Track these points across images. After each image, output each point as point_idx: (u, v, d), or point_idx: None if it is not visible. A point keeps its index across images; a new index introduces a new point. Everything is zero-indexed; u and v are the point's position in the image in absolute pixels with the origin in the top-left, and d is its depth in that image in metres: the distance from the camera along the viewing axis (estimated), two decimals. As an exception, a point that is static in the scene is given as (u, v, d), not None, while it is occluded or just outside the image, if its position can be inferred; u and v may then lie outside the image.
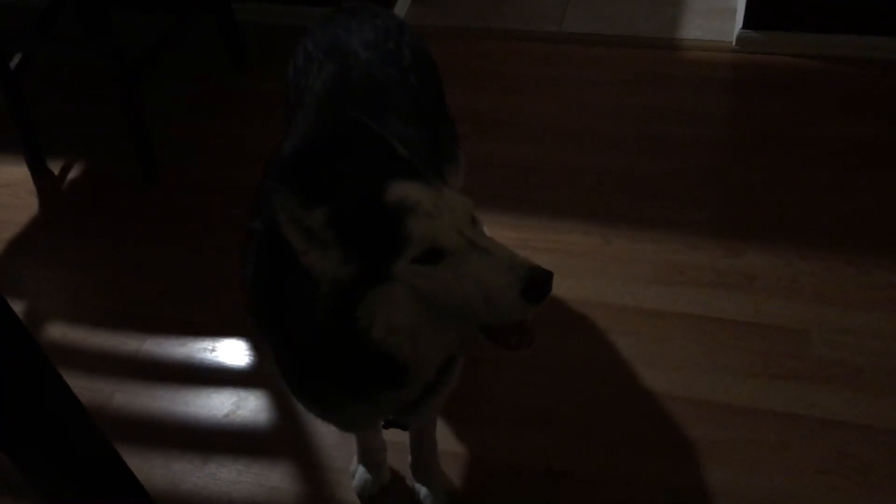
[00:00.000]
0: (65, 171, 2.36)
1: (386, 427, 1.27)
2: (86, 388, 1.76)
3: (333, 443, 1.66)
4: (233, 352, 1.85)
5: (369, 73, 1.38)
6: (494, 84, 2.41)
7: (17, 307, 1.76)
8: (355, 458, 1.58)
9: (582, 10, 2.60)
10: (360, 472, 1.57)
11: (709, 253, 1.90)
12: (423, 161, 1.35)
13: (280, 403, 1.74)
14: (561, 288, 1.88)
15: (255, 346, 1.85)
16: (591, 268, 1.91)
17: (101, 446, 1.33)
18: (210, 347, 1.86)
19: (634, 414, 1.65)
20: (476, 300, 0.95)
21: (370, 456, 1.55)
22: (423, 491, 1.55)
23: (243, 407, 1.75)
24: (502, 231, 2.00)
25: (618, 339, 1.78)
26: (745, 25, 2.37)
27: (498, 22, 2.61)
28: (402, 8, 2.69)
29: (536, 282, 0.95)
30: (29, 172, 2.34)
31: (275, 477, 1.62)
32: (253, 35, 2.63)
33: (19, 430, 1.19)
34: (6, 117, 2.25)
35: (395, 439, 1.52)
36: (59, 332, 1.93)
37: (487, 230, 1.97)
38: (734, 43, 2.41)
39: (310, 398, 1.21)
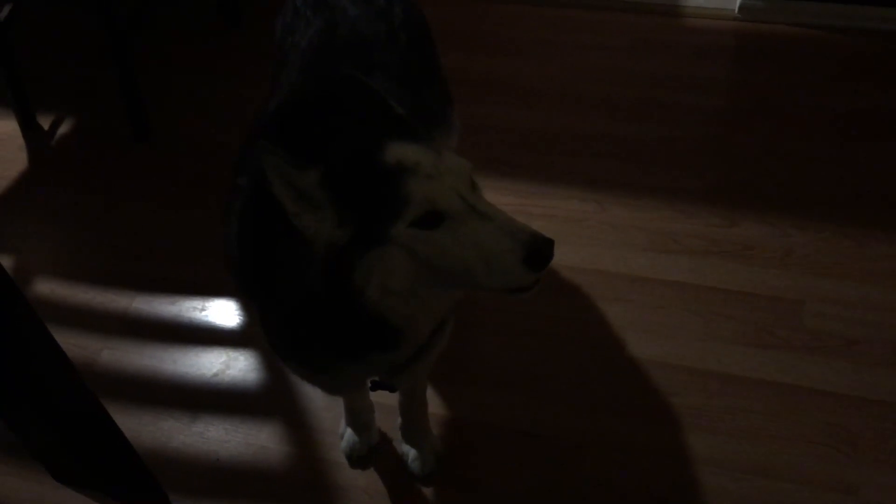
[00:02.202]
0: (55, 126, 2.32)
1: (373, 389, 1.26)
2: (74, 344, 1.75)
3: (322, 404, 1.65)
4: (223, 311, 1.84)
5: (357, 29, 1.35)
6: (492, 47, 2.38)
7: (5, 262, 1.73)
8: (343, 420, 1.58)
9: (582, -27, 2.56)
10: (349, 434, 1.57)
11: (704, 221, 1.89)
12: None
13: (270, 364, 1.73)
14: (556, 254, 1.86)
15: (245, 307, 1.84)
16: (587, 234, 1.90)
17: (88, 403, 1.32)
18: (200, 307, 1.85)
19: (625, 380, 1.65)
20: (476, 265, 0.94)
21: (357, 418, 1.55)
22: (412, 453, 1.55)
23: (233, 367, 1.74)
24: (498, 196, 1.98)
25: (611, 305, 1.77)
26: (748, -7, 2.34)
27: (497, -16, 2.57)
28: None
29: (538, 248, 0.93)
30: (18, 127, 2.30)
31: (263, 437, 1.62)
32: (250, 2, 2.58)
33: (7, 386, 1.18)
34: (-5, 70, 2.21)
35: (384, 401, 1.51)
36: (47, 287, 1.91)
37: (487, 194, 1.95)
38: (736, 11, 2.38)
39: (298, 361, 1.19)
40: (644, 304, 1.76)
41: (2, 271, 1.12)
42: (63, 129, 2.31)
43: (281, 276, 1.05)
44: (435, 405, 1.62)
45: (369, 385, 1.25)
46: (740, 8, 2.36)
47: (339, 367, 1.13)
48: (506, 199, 1.98)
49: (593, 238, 1.90)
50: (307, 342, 1.10)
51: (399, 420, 1.55)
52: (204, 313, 1.84)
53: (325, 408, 1.64)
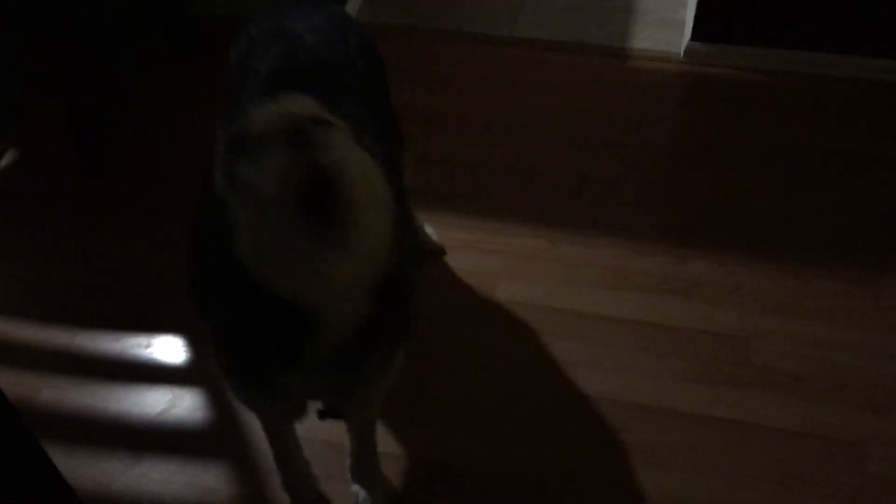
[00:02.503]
0: (-2, 157, 2.27)
1: (321, 417, 1.23)
2: (12, 382, 1.68)
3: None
4: (169, 348, 1.80)
5: (317, 55, 1.35)
6: (445, 84, 2.40)
7: (-59, 297, 1.68)
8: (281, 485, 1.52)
9: (535, 15, 2.61)
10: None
11: (654, 259, 1.91)
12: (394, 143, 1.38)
13: (217, 402, 1.69)
14: (507, 291, 1.87)
15: (192, 343, 1.80)
16: (538, 270, 1.91)
17: (26, 442, 1.27)
18: (145, 343, 1.80)
19: (575, 416, 1.65)
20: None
21: (290, 467, 1.50)
22: (362, 494, 1.52)
23: (178, 405, 1.69)
24: (449, 231, 1.98)
25: (561, 342, 1.77)
26: (693, 37, 2.40)
27: (450, 23, 2.60)
28: (353, 5, 2.66)
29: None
30: (-39, 158, 2.25)
31: (209, 478, 1.57)
32: (203, 26, 2.56)
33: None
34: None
35: (336, 441, 1.49)
36: (-16, 324, 1.85)
37: (434, 230, 1.95)
38: (682, 54, 2.44)
39: (240, 375, 1.16)
40: (595, 340, 1.77)
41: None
42: (7, 159, 2.26)
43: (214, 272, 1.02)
44: (388, 444, 1.59)
45: (317, 415, 1.23)
46: (685, 51, 2.42)
47: (276, 378, 1.10)
48: (456, 234, 1.99)
49: (545, 274, 1.91)
50: (238, 344, 1.07)
51: (349, 460, 1.52)
52: (149, 350, 1.79)
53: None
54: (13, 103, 2.42)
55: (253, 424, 1.62)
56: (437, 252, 1.95)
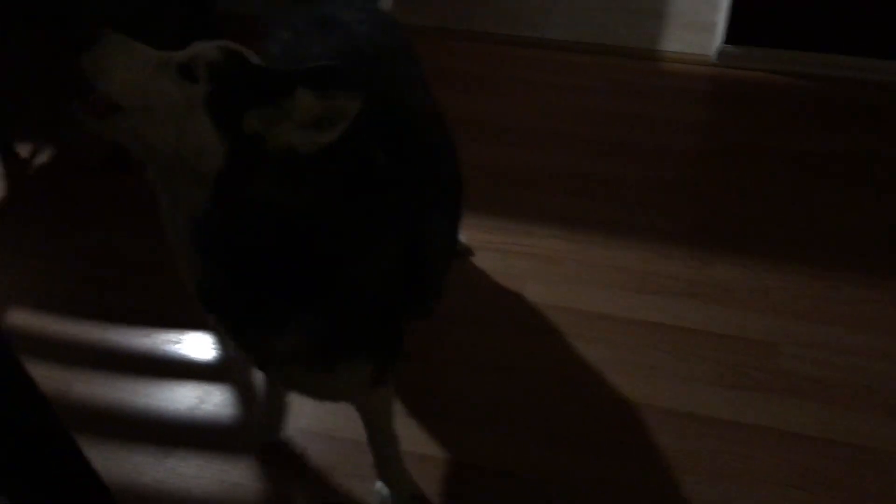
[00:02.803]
0: (34, 155, 2.31)
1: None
2: (46, 376, 1.71)
3: (298, 442, 1.63)
4: (199, 344, 1.82)
5: (376, 42, 1.36)
6: (472, 85, 2.41)
7: (-22, 291, 1.72)
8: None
9: (564, 17, 2.61)
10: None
11: (682, 262, 1.91)
12: (444, 132, 1.43)
13: (245, 399, 1.71)
14: (533, 293, 1.88)
15: (222, 340, 1.82)
16: (565, 273, 1.91)
17: (60, 436, 1.30)
18: (175, 339, 1.83)
19: (601, 420, 1.65)
20: None
21: (267, 397, 1.60)
22: (384, 491, 1.54)
23: (207, 401, 1.72)
24: (477, 234, 1.99)
25: (587, 345, 1.77)
26: (726, 40, 2.39)
27: (479, 24, 2.61)
28: (383, 4, 2.67)
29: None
30: (-4, 156, 2.29)
31: (237, 474, 1.59)
32: (226, 26, 2.59)
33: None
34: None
35: (363, 439, 1.50)
36: (21, 318, 1.88)
37: (463, 232, 1.96)
38: (713, 56, 2.43)
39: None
40: (620, 343, 1.77)
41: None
42: (42, 157, 2.30)
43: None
44: (413, 443, 1.60)
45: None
46: (718, 54, 2.41)
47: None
48: (483, 236, 2.00)
49: (571, 277, 1.91)
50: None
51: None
52: (179, 346, 1.82)
53: (300, 445, 1.63)
54: (48, 103, 2.47)
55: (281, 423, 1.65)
56: (465, 253, 1.96)
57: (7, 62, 2.55)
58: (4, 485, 1.31)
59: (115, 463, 1.61)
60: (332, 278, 1.07)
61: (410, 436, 1.61)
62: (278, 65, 1.38)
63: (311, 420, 1.65)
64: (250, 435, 1.64)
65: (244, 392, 1.72)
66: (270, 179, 0.99)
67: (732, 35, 2.38)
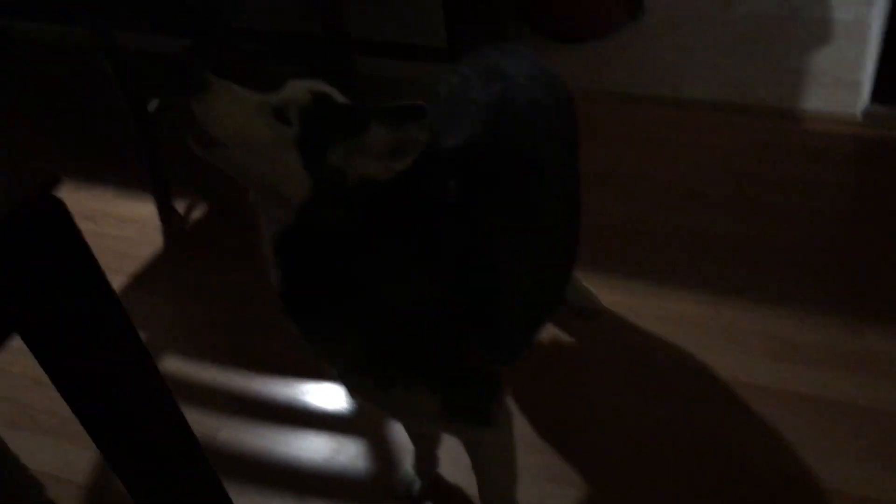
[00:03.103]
0: (190, 209, 2.47)
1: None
2: (195, 420, 1.79)
3: (435, 499, 1.65)
4: (335, 396, 1.88)
5: (533, 97, 1.44)
6: (608, 144, 2.41)
7: (138, 338, 1.84)
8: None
9: (699, 75, 2.59)
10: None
11: (826, 330, 1.83)
12: (567, 194, 1.51)
13: (379, 452, 1.75)
14: (666, 356, 1.84)
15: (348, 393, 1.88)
16: (701, 339, 1.87)
17: (211, 481, 1.37)
18: (314, 390, 1.90)
19: (735, 494, 1.59)
20: None
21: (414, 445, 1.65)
22: None
23: (343, 452, 1.77)
24: (609, 294, 1.98)
25: (723, 413, 1.72)
26: (872, 99, 2.30)
27: (612, 84, 2.62)
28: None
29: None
30: (156, 210, 2.46)
31: (370, 526, 1.63)
32: (369, 88, 2.71)
33: (136, 455, 1.25)
34: (140, 157, 2.39)
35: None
36: (173, 364, 2.00)
37: (593, 292, 1.96)
38: (859, 117, 2.34)
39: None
40: (761, 415, 1.71)
41: (143, 347, 1.20)
42: (197, 212, 2.46)
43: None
44: (527, 497, 1.60)
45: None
46: (863, 113, 2.32)
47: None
48: (616, 297, 1.98)
49: (707, 342, 1.86)
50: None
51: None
52: (317, 396, 1.89)
53: (437, 501, 1.65)
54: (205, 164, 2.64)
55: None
56: (595, 313, 1.95)
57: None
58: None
59: (256, 509, 1.68)
60: (377, 295, 1.17)
61: (524, 492, 1.60)
62: (443, 105, 1.50)
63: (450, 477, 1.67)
64: (394, 489, 1.67)
65: (379, 446, 1.76)
66: (348, 207, 1.11)
67: (879, 94, 2.29)
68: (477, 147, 1.36)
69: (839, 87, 2.45)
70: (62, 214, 0.91)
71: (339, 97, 1.16)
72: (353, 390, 1.35)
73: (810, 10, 2.76)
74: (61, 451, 1.86)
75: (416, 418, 1.46)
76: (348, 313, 1.19)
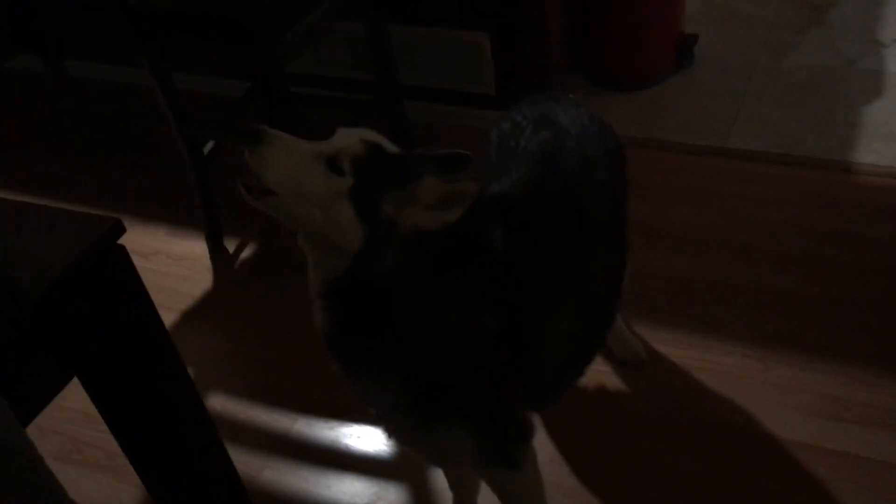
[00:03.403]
0: (240, 249, 2.52)
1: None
2: (239, 460, 1.82)
3: (469, 546, 1.64)
4: (377, 440, 1.89)
5: (581, 145, 1.45)
6: (654, 194, 2.40)
7: (186, 375, 1.87)
8: None
9: (750, 125, 2.57)
10: None
11: (880, 390, 1.78)
12: (610, 244, 1.51)
13: (420, 498, 1.75)
14: (711, 411, 1.82)
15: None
16: (748, 393, 1.84)
17: (252, 523, 1.39)
18: (357, 433, 1.90)
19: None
20: None
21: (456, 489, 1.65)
22: None
23: (383, 498, 1.77)
24: (656, 345, 1.96)
25: (768, 471, 1.68)
26: (927, 152, 2.28)
27: (661, 133, 2.62)
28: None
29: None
30: (207, 249, 2.51)
31: (409, 574, 1.62)
32: (420, 133, 2.75)
33: (182, 493, 1.27)
34: (193, 195, 2.45)
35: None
36: (218, 402, 2.03)
37: (638, 343, 1.94)
38: (914, 169, 2.31)
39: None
40: (809, 474, 1.67)
41: (191, 386, 1.23)
42: (246, 252, 2.51)
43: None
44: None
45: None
46: (918, 167, 2.29)
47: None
48: (662, 348, 1.96)
49: (754, 397, 1.83)
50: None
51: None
52: (360, 440, 1.89)
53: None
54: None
55: (452, 525, 1.66)
56: (640, 363, 1.93)
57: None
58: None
59: (296, 551, 1.68)
60: (422, 340, 1.18)
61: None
62: (493, 151, 1.53)
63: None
64: None
65: (419, 492, 1.76)
66: (399, 256, 1.13)
67: (936, 147, 2.26)
68: (521, 195, 1.38)
69: (892, 139, 2.42)
70: (124, 262, 0.94)
71: (389, 145, 1.18)
72: (391, 433, 1.36)
73: (864, 61, 2.74)
74: (107, 485, 1.89)
75: (451, 462, 1.46)
76: (393, 357, 1.20)
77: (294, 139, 1.14)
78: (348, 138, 1.15)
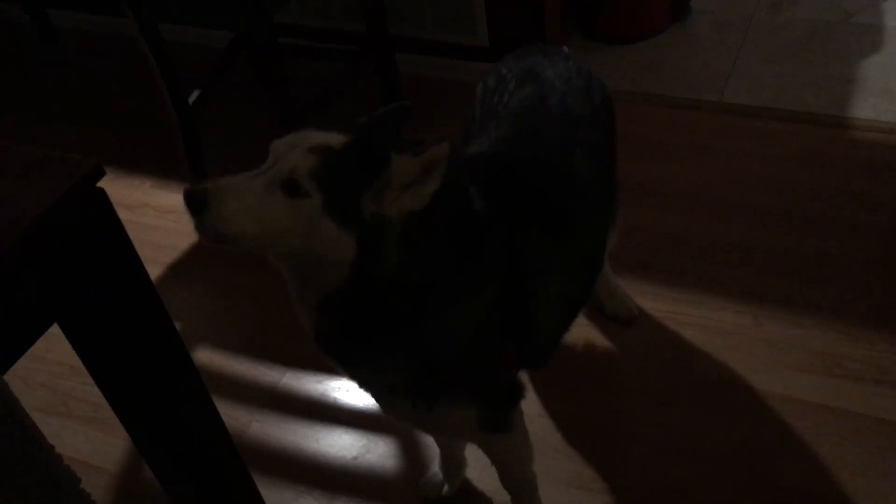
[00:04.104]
0: (226, 202, 2.47)
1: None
2: (226, 414, 1.79)
3: (461, 498, 1.64)
4: (365, 394, 1.87)
5: (565, 102, 1.41)
6: (649, 150, 2.37)
7: (172, 329, 1.84)
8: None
9: (746, 80, 2.54)
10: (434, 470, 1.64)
11: (872, 346, 1.78)
12: (595, 203, 1.44)
13: (408, 452, 1.74)
14: (703, 367, 1.81)
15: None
16: (740, 349, 1.83)
17: (240, 473, 1.37)
18: (345, 387, 1.89)
19: (778, 511, 1.55)
20: None
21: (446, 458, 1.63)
22: None
23: (372, 451, 1.76)
24: (647, 301, 1.95)
25: (760, 427, 1.68)
26: (925, 108, 2.25)
27: (656, 87, 2.58)
28: (559, 68, 2.70)
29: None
30: (193, 201, 2.46)
31: (397, 527, 1.62)
32: (411, 87, 2.70)
33: (169, 445, 1.25)
34: (179, 148, 2.40)
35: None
36: (205, 356, 2.01)
37: (631, 296, 1.93)
38: (910, 126, 2.28)
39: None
40: (801, 429, 1.67)
41: (178, 339, 1.20)
42: (233, 205, 2.47)
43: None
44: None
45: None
46: (915, 123, 2.27)
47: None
48: (654, 304, 1.95)
49: (746, 354, 1.82)
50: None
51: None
52: (348, 394, 1.88)
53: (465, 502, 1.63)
54: (243, 155, 2.64)
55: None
56: (631, 318, 1.92)
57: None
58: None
59: (284, 504, 1.68)
60: (422, 323, 1.13)
61: (553, 498, 1.58)
62: (477, 107, 1.48)
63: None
64: (422, 490, 1.66)
65: (408, 445, 1.75)
66: (398, 247, 1.05)
67: (933, 104, 2.23)
68: (500, 156, 1.34)
69: (889, 95, 2.39)
70: (105, 205, 0.91)
71: (334, 138, 1.06)
72: (389, 410, 1.33)
73: (863, 15, 2.70)
74: (93, 438, 1.87)
75: (448, 432, 1.45)
76: (397, 345, 1.16)
77: (240, 179, 1.02)
78: (293, 154, 1.03)
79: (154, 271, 2.25)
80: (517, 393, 1.35)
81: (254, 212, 1.00)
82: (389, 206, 1.03)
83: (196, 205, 1.00)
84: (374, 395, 1.32)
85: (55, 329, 1.01)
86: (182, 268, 2.29)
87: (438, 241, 1.11)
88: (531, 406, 1.75)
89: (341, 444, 1.78)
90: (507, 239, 1.21)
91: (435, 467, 1.66)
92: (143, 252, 1.07)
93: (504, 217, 1.21)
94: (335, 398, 1.88)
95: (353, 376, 1.26)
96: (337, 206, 1.01)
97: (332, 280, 1.06)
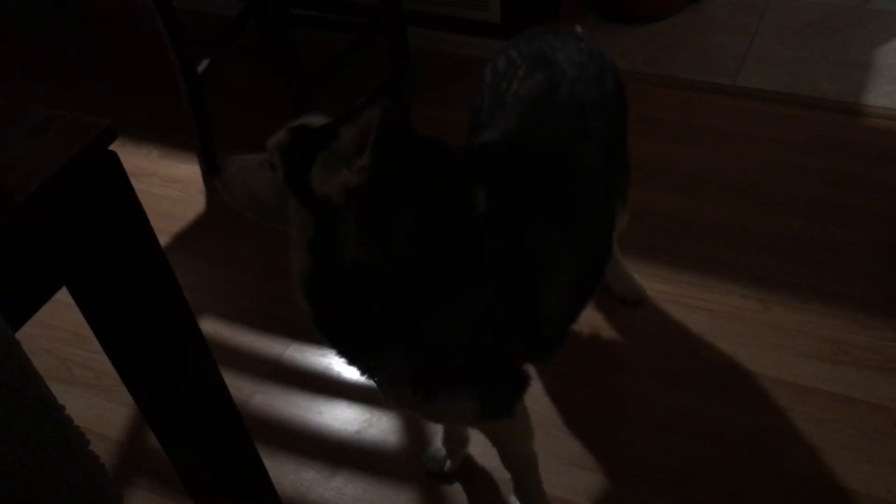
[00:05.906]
0: (233, 173, 2.46)
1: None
2: (230, 384, 1.79)
3: (462, 474, 1.64)
4: (370, 369, 1.87)
5: (576, 91, 1.38)
6: (660, 132, 2.35)
7: (178, 298, 1.84)
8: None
9: (760, 64, 2.51)
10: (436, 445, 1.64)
11: (879, 334, 1.77)
12: (605, 194, 1.40)
13: (410, 426, 1.74)
14: (709, 351, 1.80)
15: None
16: (746, 334, 1.82)
17: (244, 442, 1.37)
18: (349, 361, 1.88)
19: (776, 496, 1.55)
20: None
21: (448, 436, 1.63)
22: None
23: (375, 425, 1.76)
24: (654, 283, 1.94)
25: (765, 412, 1.68)
26: (940, 97, 2.23)
27: (670, 69, 2.56)
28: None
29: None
30: (200, 171, 2.46)
31: (400, 500, 1.62)
32: (422, 63, 2.68)
33: (174, 415, 1.25)
34: (187, 117, 2.38)
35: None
36: (210, 326, 2.01)
37: (639, 279, 1.92)
38: (925, 114, 2.26)
39: None
40: (805, 415, 1.66)
41: (186, 307, 1.19)
42: (240, 176, 2.45)
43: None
44: (561, 489, 1.58)
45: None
46: (930, 112, 2.25)
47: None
48: (661, 286, 1.94)
49: (753, 338, 1.82)
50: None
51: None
52: (352, 368, 1.87)
53: (464, 479, 1.63)
54: (254, 126, 2.63)
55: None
56: (638, 300, 1.91)
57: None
58: (193, 487, 1.40)
59: (286, 476, 1.68)
60: (421, 315, 1.12)
61: (560, 482, 1.58)
62: (486, 93, 1.45)
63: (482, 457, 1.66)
64: (425, 464, 1.66)
65: (411, 420, 1.75)
66: (350, 229, 1.04)
67: (949, 92, 2.21)
68: (509, 147, 1.31)
69: (905, 83, 2.37)
70: (116, 169, 0.90)
71: (320, 120, 1.09)
72: (391, 400, 1.32)
73: (880, 1, 2.67)
74: (95, 405, 1.87)
75: (451, 420, 1.45)
76: (394, 337, 1.15)
77: (250, 156, 1.14)
78: (279, 132, 1.12)
79: (160, 240, 2.24)
80: (522, 384, 1.33)
81: (248, 182, 1.13)
82: (337, 183, 1.03)
83: (211, 169, 1.11)
84: (377, 385, 1.31)
85: (60, 296, 1.00)
86: (188, 238, 2.29)
87: (408, 234, 1.07)
88: (534, 386, 1.74)
89: (344, 418, 1.78)
90: (512, 233, 1.18)
91: (437, 443, 1.66)
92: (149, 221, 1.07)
93: (510, 210, 1.18)
94: (339, 372, 1.87)
95: (351, 365, 1.26)
96: (294, 181, 1.06)
97: (302, 264, 1.10)
